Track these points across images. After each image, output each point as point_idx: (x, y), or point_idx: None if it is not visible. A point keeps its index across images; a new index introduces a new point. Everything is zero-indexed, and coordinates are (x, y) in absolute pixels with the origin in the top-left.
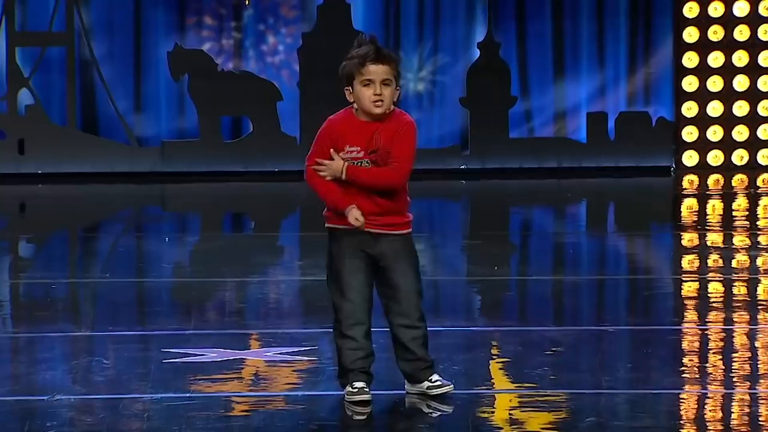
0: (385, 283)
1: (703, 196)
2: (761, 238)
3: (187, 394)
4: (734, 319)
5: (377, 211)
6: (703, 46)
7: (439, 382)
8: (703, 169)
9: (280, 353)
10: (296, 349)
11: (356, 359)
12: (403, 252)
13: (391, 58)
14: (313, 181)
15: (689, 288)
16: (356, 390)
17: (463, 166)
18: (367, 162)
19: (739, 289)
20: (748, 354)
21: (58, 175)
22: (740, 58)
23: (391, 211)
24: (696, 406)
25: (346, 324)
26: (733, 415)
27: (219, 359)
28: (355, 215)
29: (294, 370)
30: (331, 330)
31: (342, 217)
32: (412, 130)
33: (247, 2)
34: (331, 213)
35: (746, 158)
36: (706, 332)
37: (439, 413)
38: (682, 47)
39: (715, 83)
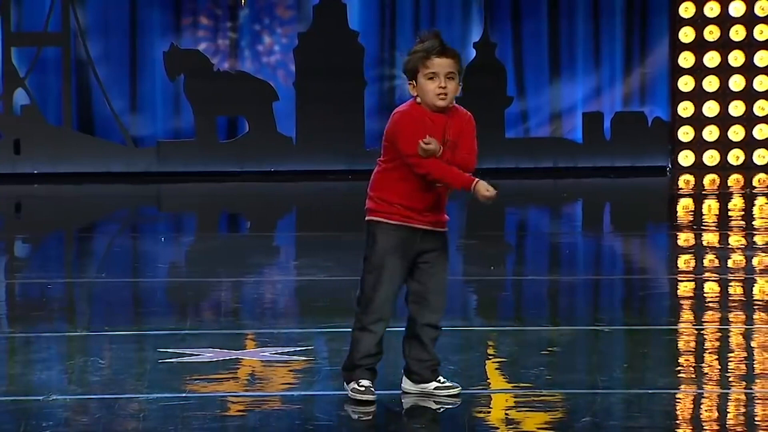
0: (421, 280)
1: (699, 196)
2: (757, 238)
3: (183, 394)
4: (730, 319)
5: (434, 206)
6: (699, 46)
7: (448, 383)
8: (698, 169)
9: (276, 353)
10: (292, 349)
11: (368, 355)
12: (444, 252)
13: (455, 52)
14: (428, 166)
15: (685, 288)
16: (363, 389)
17: None
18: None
19: (735, 289)
20: (744, 354)
21: (53, 175)
22: (736, 58)
23: (440, 208)
24: (691, 406)
25: (371, 318)
26: (729, 415)
27: (215, 359)
28: (486, 186)
29: (290, 370)
30: (328, 330)
31: (392, 212)
32: (473, 122)
33: (243, 2)
34: (382, 206)
35: (742, 158)
36: (701, 332)
37: (435, 413)
38: (678, 47)
39: (711, 83)
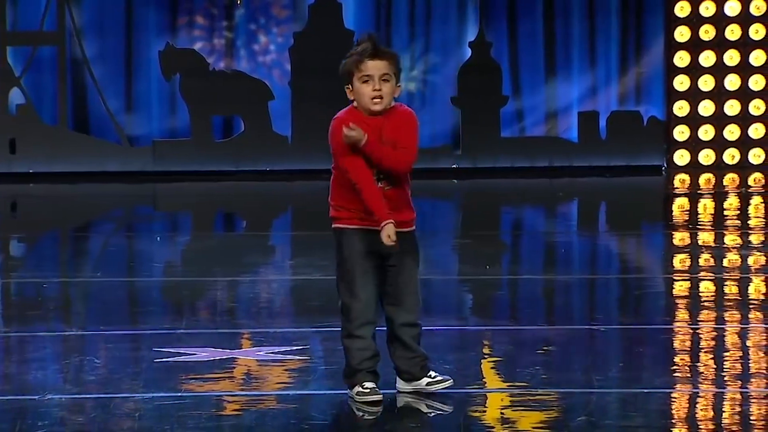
0: (391, 281)
1: (694, 195)
2: (752, 237)
3: (179, 394)
4: (725, 318)
5: (390, 207)
6: (695, 46)
7: (439, 377)
8: (694, 168)
9: (271, 352)
10: (288, 348)
11: (364, 359)
12: (410, 250)
13: (390, 53)
14: (361, 180)
15: (680, 287)
16: (368, 390)
17: (454, 165)
18: None
19: (731, 288)
20: (739, 353)
21: (49, 175)
22: (731, 58)
23: (401, 207)
24: (687, 405)
25: (355, 324)
26: (725, 414)
27: (210, 358)
28: (388, 232)
29: (285, 370)
30: (323, 330)
31: (351, 216)
32: (413, 119)
33: (238, 2)
34: (341, 213)
35: (737, 157)
36: (697, 331)
37: (431, 412)
38: (674, 46)
39: (706, 82)
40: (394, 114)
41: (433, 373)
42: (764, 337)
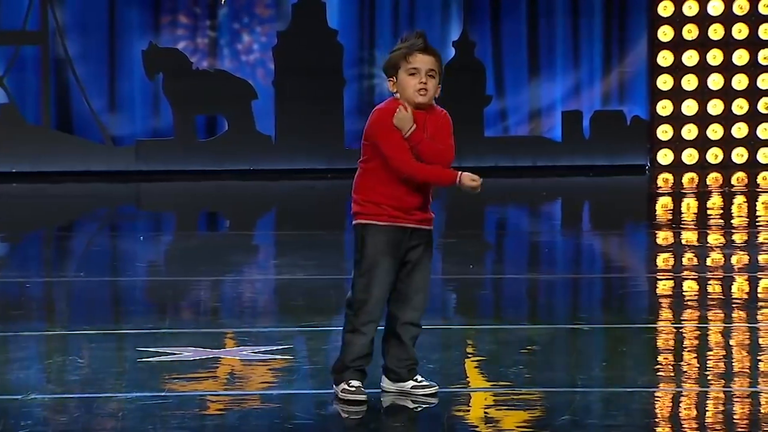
0: (404, 278)
1: (677, 194)
2: (735, 237)
3: (162, 393)
4: (709, 318)
5: (419, 205)
6: (678, 45)
7: (425, 382)
8: (677, 168)
9: (255, 352)
10: (271, 347)
11: (359, 357)
12: (429, 249)
13: (437, 52)
14: (412, 165)
15: (664, 286)
16: (353, 389)
17: None
18: None
19: (714, 288)
20: (723, 352)
21: (32, 174)
22: (715, 57)
23: (426, 206)
24: (670, 404)
25: (362, 319)
26: (708, 413)
27: (194, 358)
28: (471, 177)
29: (269, 369)
30: (307, 329)
31: (380, 213)
32: (450, 120)
33: (222, 1)
34: (369, 208)
35: (721, 157)
36: (680, 330)
37: (415, 411)
38: (657, 46)
39: (689, 82)
40: (435, 112)
41: (419, 377)
42: (747, 336)
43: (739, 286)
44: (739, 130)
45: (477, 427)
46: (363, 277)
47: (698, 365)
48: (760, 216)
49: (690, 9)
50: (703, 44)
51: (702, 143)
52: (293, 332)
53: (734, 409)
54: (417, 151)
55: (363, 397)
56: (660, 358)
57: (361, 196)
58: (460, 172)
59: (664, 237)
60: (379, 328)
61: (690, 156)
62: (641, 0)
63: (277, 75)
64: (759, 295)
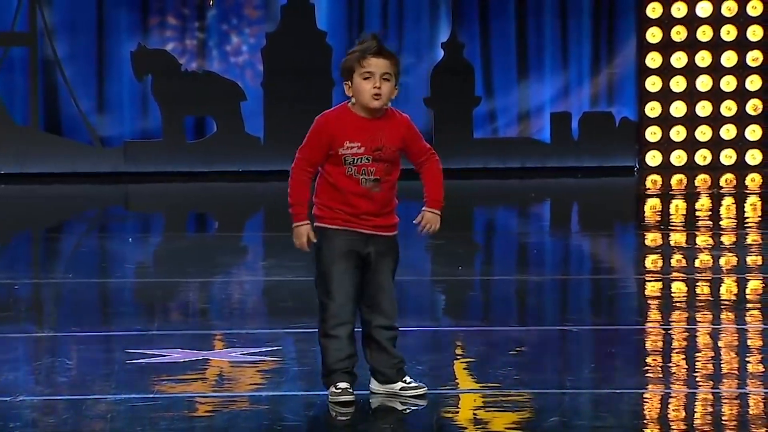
0: (369, 283)
1: (666, 196)
2: (724, 238)
3: (151, 395)
4: (697, 319)
5: (373, 211)
6: (666, 47)
7: (414, 384)
8: (666, 169)
9: (244, 353)
10: (260, 349)
11: (339, 359)
12: (390, 253)
13: (393, 54)
14: (295, 176)
15: (652, 288)
16: (340, 390)
17: None
18: (367, 158)
19: (702, 289)
20: (711, 354)
21: (20, 176)
22: (703, 59)
23: (384, 212)
24: (659, 405)
25: (330, 324)
26: (696, 415)
27: (183, 360)
28: (302, 236)
29: (258, 371)
30: (296, 331)
31: (335, 217)
32: (413, 124)
33: (210, 2)
34: (324, 212)
35: (709, 158)
36: (669, 332)
37: (404, 413)
38: (646, 47)
39: (678, 83)
40: (393, 120)
41: (408, 379)
42: (736, 338)
43: (728, 288)
44: (728, 132)
45: (466, 428)
46: (322, 281)
47: (687, 367)
48: (748, 218)
49: (678, 10)
50: (691, 46)
51: (690, 145)
52: (282, 334)
53: (723, 410)
54: (442, 195)
55: (350, 398)
56: (648, 360)
57: (318, 200)
58: (302, 222)
59: (652, 238)
60: (357, 329)
61: (678, 157)
62: (630, 1)
63: (266, 76)
64: (747, 297)
